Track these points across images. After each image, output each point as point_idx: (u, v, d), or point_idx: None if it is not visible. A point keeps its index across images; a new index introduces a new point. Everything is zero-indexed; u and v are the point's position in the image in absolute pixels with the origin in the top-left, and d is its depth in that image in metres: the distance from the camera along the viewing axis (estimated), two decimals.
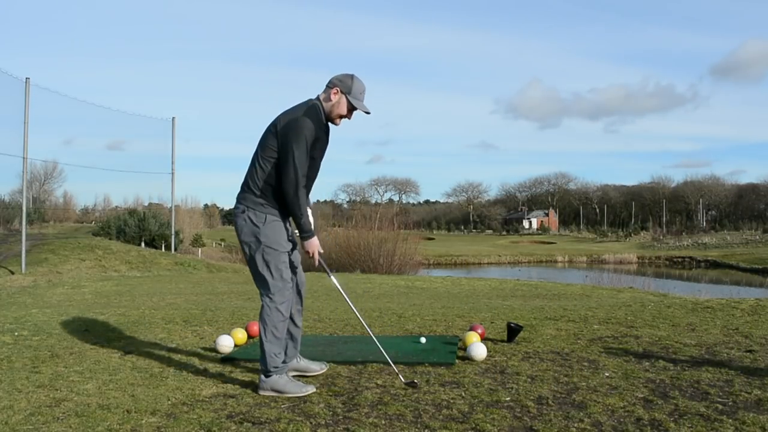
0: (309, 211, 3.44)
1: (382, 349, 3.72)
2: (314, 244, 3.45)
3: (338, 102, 3.41)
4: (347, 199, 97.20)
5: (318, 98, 3.45)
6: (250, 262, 3.45)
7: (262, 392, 3.38)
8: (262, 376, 3.40)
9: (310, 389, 3.38)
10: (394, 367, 3.68)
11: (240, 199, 3.45)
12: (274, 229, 3.39)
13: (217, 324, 5.82)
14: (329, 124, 3.49)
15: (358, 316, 3.88)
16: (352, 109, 3.45)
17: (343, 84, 3.41)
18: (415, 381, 3.53)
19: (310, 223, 3.42)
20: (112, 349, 4.57)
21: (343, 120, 3.47)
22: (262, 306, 3.42)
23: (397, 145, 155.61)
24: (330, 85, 3.43)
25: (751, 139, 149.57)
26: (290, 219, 3.48)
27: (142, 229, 23.20)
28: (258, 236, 3.37)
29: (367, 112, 3.50)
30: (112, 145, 24.07)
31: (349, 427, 2.81)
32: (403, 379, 3.55)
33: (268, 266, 3.38)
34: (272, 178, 3.37)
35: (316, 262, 3.51)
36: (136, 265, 15.04)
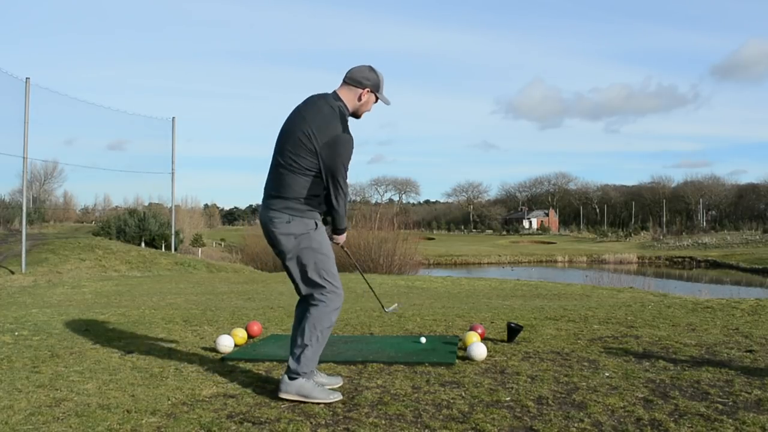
0: None
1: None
2: (343, 238, 3.49)
3: (368, 101, 3.32)
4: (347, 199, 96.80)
5: (336, 95, 3.28)
6: (301, 270, 3.24)
7: (284, 395, 3.18)
8: (286, 378, 3.21)
9: (337, 397, 3.22)
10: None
11: (280, 207, 3.21)
12: (323, 235, 3.28)
13: (217, 324, 5.82)
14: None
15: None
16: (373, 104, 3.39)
17: (372, 83, 3.29)
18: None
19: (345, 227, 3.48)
20: (112, 349, 4.57)
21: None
22: (314, 308, 3.23)
23: (398, 144, 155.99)
24: (357, 84, 3.28)
25: (751, 139, 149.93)
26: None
27: (142, 229, 23.19)
28: (310, 243, 3.22)
29: (388, 104, 3.42)
30: (112, 145, 24.09)
31: (349, 427, 2.81)
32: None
33: (320, 273, 3.23)
34: (314, 189, 3.21)
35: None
36: (136, 265, 15.04)
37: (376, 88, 3.31)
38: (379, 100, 3.38)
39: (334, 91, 3.32)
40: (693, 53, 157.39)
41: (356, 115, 3.35)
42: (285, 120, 3.34)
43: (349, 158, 3.21)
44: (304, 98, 3.37)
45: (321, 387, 3.26)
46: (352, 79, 3.29)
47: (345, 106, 3.27)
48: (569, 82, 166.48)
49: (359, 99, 3.29)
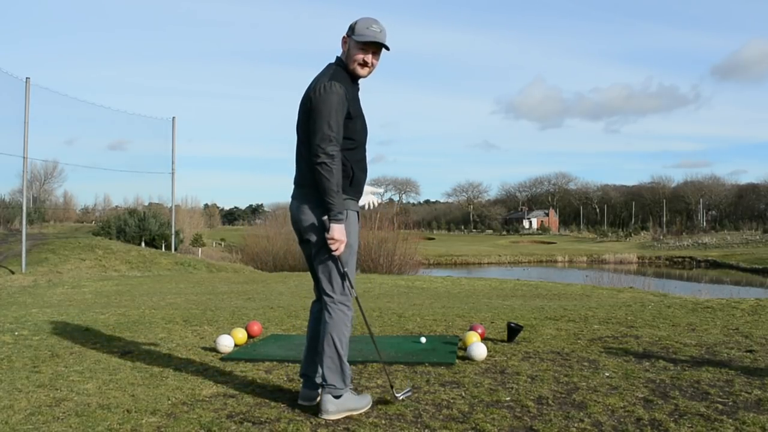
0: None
1: None
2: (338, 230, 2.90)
3: (350, 49, 2.96)
4: None
5: (339, 59, 3.03)
6: (330, 262, 2.94)
7: (333, 416, 2.89)
8: (330, 397, 2.92)
9: (368, 396, 3.10)
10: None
11: (318, 200, 2.89)
12: (352, 225, 3.00)
13: (217, 324, 5.82)
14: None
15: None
16: (364, 47, 2.94)
17: (348, 29, 2.98)
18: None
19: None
20: (112, 349, 4.57)
21: (369, 69, 3.00)
22: (335, 313, 2.95)
23: (398, 144, 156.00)
24: (343, 39, 3.02)
25: (751, 139, 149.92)
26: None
27: (142, 229, 23.19)
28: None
29: (378, 41, 2.93)
30: (113, 145, 24.17)
31: (349, 426, 2.81)
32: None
33: (340, 268, 2.96)
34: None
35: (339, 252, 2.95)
36: (136, 265, 15.04)
37: (350, 33, 2.95)
38: (375, 49, 2.99)
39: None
40: (694, 53, 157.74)
41: (354, 72, 2.99)
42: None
43: (330, 113, 2.82)
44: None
45: (356, 394, 3.07)
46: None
47: (341, 62, 3.00)
48: (570, 82, 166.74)
49: (342, 49, 3.01)
